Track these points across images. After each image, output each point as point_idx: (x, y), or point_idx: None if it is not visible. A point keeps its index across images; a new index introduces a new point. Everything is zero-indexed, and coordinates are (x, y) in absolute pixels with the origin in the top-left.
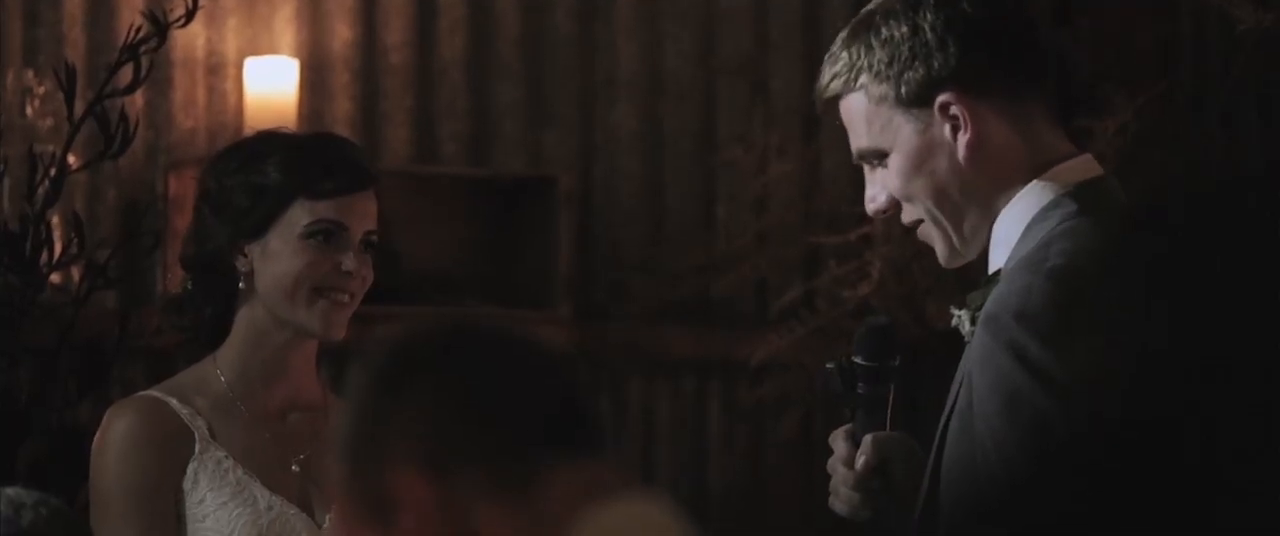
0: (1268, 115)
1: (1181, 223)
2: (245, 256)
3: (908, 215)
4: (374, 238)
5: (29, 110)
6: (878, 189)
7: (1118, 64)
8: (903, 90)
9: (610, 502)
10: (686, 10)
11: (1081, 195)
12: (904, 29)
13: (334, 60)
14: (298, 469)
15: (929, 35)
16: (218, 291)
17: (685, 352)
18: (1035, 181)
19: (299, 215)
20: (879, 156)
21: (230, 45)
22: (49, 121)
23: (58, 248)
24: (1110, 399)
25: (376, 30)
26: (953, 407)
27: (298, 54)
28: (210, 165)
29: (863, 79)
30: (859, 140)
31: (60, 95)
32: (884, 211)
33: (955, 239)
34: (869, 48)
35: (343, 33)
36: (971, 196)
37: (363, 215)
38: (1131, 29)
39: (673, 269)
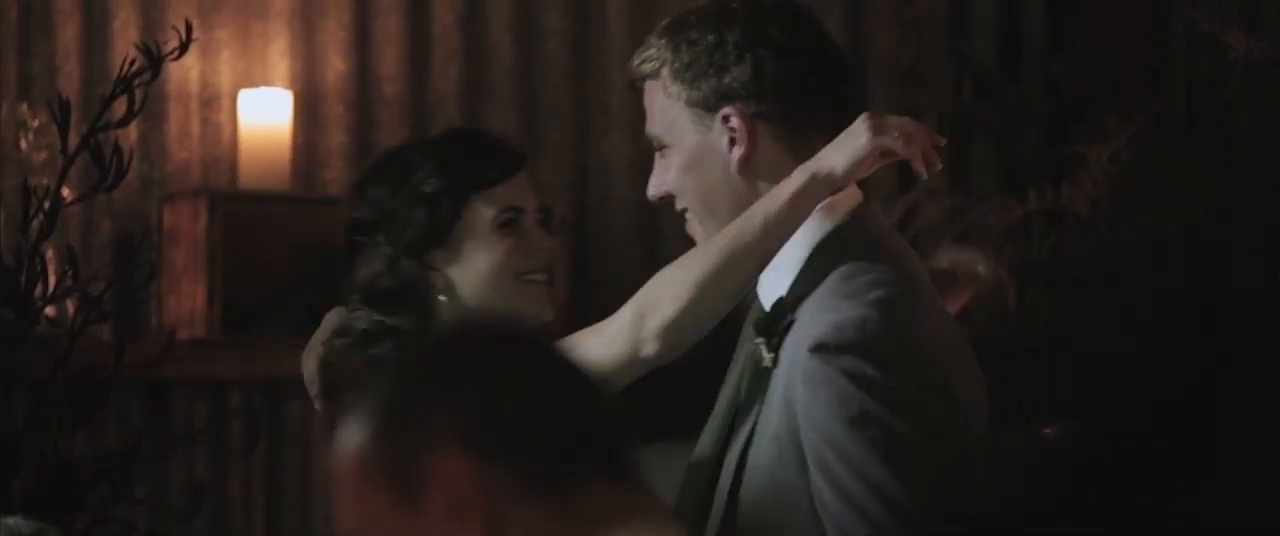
0: (1260, 141)
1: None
2: (435, 269)
3: (679, 205)
4: (541, 214)
5: (23, 143)
6: (659, 177)
7: (1110, 90)
8: (694, 94)
9: (635, 526)
10: None
11: (859, 221)
12: (711, 38)
13: (328, 92)
14: None
15: (731, 49)
16: (413, 313)
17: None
18: (817, 209)
19: (482, 210)
20: (663, 146)
21: (224, 77)
22: (43, 154)
23: (52, 281)
24: (950, 414)
25: (370, 62)
26: (752, 432)
27: (292, 86)
28: (357, 197)
29: (664, 73)
30: (651, 126)
31: (54, 128)
32: (661, 199)
33: None
34: (676, 48)
35: (336, 65)
36: (736, 208)
37: (530, 192)
38: (1124, 56)
39: None
